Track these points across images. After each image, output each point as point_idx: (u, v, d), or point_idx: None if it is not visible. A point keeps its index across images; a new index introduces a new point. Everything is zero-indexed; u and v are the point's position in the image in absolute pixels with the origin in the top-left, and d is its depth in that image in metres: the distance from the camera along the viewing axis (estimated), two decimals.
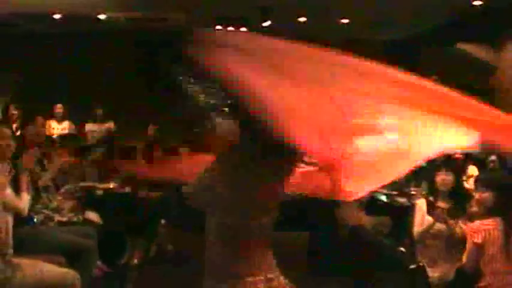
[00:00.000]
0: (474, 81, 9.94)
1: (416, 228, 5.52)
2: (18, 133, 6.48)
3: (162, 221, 8.15)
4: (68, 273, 4.46)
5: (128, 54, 12.61)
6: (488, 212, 4.91)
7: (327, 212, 7.72)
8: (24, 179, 4.69)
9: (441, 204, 5.42)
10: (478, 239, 4.73)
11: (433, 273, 5.17)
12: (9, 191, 4.45)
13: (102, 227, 6.84)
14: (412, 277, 4.23)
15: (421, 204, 5.59)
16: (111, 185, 8.26)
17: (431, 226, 5.39)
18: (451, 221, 5.27)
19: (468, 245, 4.84)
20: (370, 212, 7.79)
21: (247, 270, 2.64)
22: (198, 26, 11.25)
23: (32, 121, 6.03)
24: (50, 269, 4.37)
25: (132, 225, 7.55)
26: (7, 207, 4.29)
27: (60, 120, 10.66)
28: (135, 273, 6.99)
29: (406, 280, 4.28)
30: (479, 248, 4.72)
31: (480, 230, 4.76)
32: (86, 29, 11.52)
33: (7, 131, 4.66)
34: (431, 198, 5.52)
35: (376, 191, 8.32)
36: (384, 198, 8.28)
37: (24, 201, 4.65)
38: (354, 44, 13.20)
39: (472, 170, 7.98)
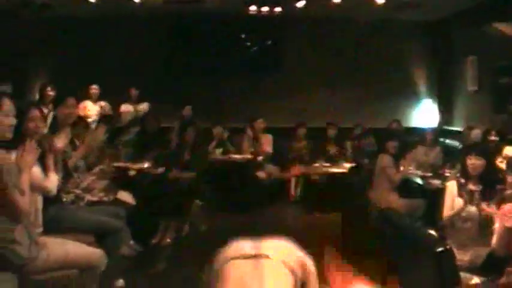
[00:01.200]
0: (511, 62, 9.77)
1: (446, 212, 5.46)
2: (51, 114, 6.52)
3: (198, 202, 8.22)
4: (94, 252, 4.51)
5: (164, 35, 12.66)
6: None
7: (360, 194, 7.72)
8: (51, 159, 4.74)
9: (472, 186, 5.34)
10: (509, 223, 4.65)
11: (464, 257, 5.11)
12: (37, 171, 4.50)
13: (135, 207, 6.90)
14: (439, 260, 4.16)
15: (451, 186, 5.52)
16: (145, 165, 8.33)
17: (461, 210, 5.32)
18: (482, 204, 5.20)
19: (499, 229, 4.77)
20: (404, 195, 7.75)
21: None
22: (231, 6, 11.22)
23: (62, 102, 6.06)
24: (76, 248, 4.42)
25: (165, 206, 7.62)
26: (34, 187, 4.33)
27: (95, 100, 10.75)
28: (168, 253, 7.06)
29: (434, 263, 4.22)
30: (510, 231, 4.64)
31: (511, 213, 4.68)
32: (122, 11, 11.55)
33: (36, 112, 4.71)
34: (462, 181, 5.44)
35: (411, 173, 8.28)
36: (419, 180, 8.23)
37: (52, 181, 4.70)
38: (389, 25, 13.14)
39: (509, 150, 7.80)
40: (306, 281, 3.12)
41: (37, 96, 10.05)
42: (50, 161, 4.72)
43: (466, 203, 5.30)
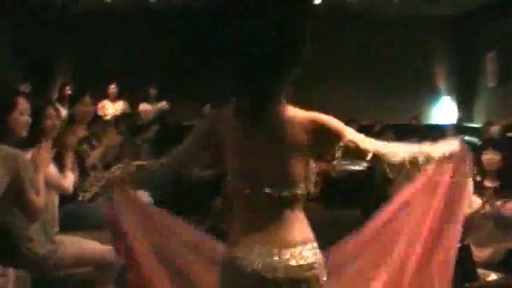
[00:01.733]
0: None
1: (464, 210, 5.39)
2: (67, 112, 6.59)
3: (219, 199, 8.23)
4: (109, 250, 4.53)
5: (181, 33, 12.63)
6: None
7: (379, 189, 7.67)
8: (68, 158, 4.78)
9: (488, 183, 5.28)
10: None
11: (481, 253, 5.07)
12: (53, 169, 4.54)
13: (155, 204, 6.90)
14: (456, 256, 4.14)
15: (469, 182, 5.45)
16: None
17: (480, 209, 5.25)
18: (499, 201, 5.13)
19: None
20: None
21: None
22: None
23: (79, 101, 6.10)
24: (91, 246, 4.45)
25: (185, 203, 7.63)
26: (51, 185, 4.37)
27: (113, 100, 10.80)
28: None
29: None
30: None
31: None
32: (140, 9, 11.59)
33: (52, 110, 4.74)
34: (478, 178, 5.38)
35: None
36: None
37: (69, 179, 4.74)
38: (409, 20, 13.05)
39: None
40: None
41: (56, 95, 10.17)
42: (68, 160, 4.76)
43: (485, 202, 5.24)
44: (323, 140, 2.62)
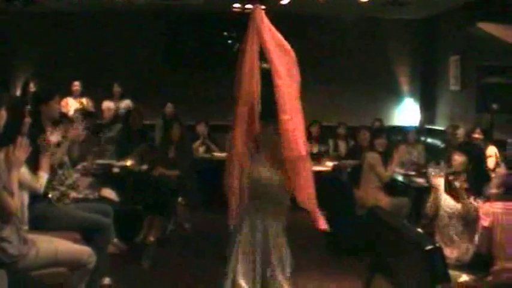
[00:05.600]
0: (495, 62, 9.79)
1: (429, 204, 5.54)
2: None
3: (182, 199, 8.19)
4: (83, 250, 4.45)
5: (147, 33, 12.56)
6: (506, 194, 4.85)
7: (346, 192, 7.68)
8: (46, 157, 4.69)
9: (458, 183, 5.34)
10: (486, 222, 4.68)
11: (451, 254, 5.14)
12: (25, 169, 4.44)
13: (119, 204, 6.84)
14: (428, 258, 4.17)
15: (439, 183, 5.54)
16: (128, 163, 8.24)
17: (438, 197, 5.42)
18: (468, 201, 5.20)
19: (479, 228, 4.80)
20: (390, 193, 7.74)
21: None
22: (215, 4, 11.18)
23: (50, 98, 5.91)
24: (65, 246, 4.36)
25: (149, 203, 7.57)
26: (23, 185, 4.28)
27: (77, 97, 10.64)
28: (152, 251, 7.01)
29: (423, 261, 4.22)
30: (488, 231, 4.67)
31: (488, 213, 4.70)
32: (106, 7, 11.48)
33: (25, 107, 4.66)
34: (450, 178, 5.44)
35: (394, 172, 8.26)
36: (401, 179, 8.23)
37: (41, 180, 4.66)
38: (372, 23, 13.14)
39: (491, 150, 7.84)
40: None
41: (18, 92, 9.99)
42: (45, 160, 4.67)
43: (440, 192, 5.45)
44: None
